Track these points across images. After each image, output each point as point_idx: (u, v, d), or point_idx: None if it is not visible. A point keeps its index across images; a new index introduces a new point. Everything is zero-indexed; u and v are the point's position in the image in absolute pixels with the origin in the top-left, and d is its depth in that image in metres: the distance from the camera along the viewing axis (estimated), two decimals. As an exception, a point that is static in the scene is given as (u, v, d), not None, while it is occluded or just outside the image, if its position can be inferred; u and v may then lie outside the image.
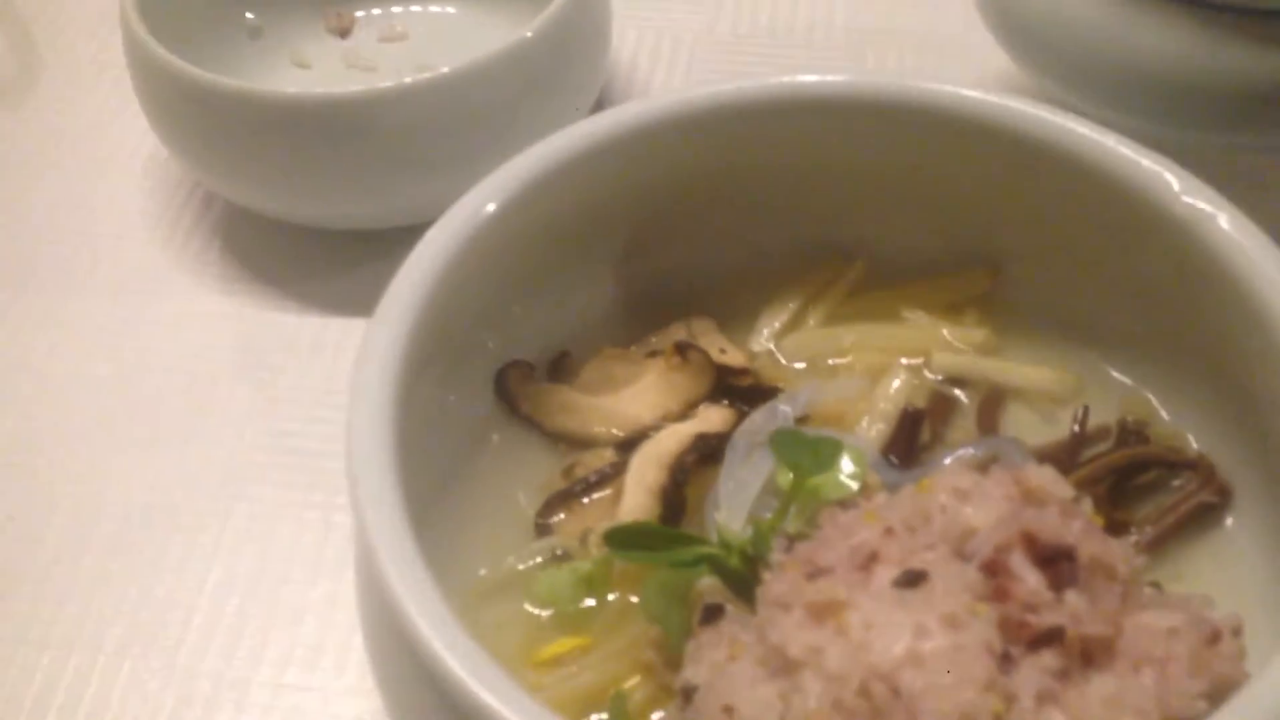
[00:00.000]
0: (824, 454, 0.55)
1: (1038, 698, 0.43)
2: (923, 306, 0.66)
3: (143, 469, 0.71)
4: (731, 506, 0.57)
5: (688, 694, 0.48)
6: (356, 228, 0.81)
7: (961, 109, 0.59)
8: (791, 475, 0.55)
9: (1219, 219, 0.54)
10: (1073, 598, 0.45)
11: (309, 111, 0.73)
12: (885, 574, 0.46)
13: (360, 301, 0.80)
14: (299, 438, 0.72)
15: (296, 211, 0.80)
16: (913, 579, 0.45)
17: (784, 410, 0.60)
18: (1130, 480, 0.58)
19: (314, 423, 0.73)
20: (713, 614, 0.50)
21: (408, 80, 0.73)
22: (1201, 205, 0.54)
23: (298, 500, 0.69)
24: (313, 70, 0.90)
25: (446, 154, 0.75)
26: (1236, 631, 0.46)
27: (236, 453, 0.72)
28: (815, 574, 0.47)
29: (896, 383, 0.62)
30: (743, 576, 0.52)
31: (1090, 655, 0.45)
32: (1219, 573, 0.55)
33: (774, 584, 0.47)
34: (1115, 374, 0.62)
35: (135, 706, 0.62)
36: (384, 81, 0.73)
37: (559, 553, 0.59)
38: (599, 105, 0.83)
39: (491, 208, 0.56)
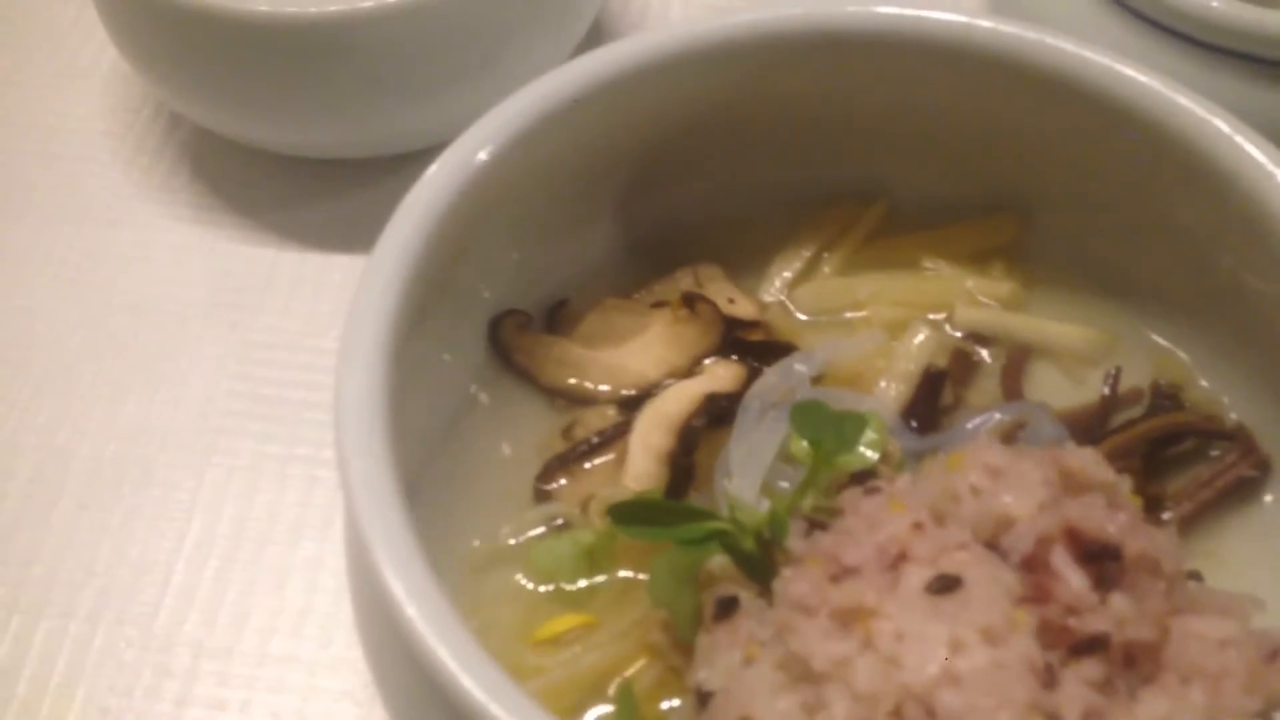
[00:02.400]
0: (849, 430, 0.52)
1: (1083, 716, 0.40)
2: (945, 256, 0.62)
3: (111, 419, 0.67)
4: (744, 475, 0.54)
5: (703, 698, 0.45)
6: (337, 155, 0.76)
7: (989, 43, 0.55)
8: (810, 449, 0.52)
9: (1273, 173, 0.50)
10: (1118, 600, 0.42)
11: (283, 31, 0.68)
12: (916, 576, 0.43)
13: (342, 234, 0.76)
14: (279, 385, 0.68)
15: (270, 137, 0.75)
16: (947, 584, 0.42)
17: (800, 370, 0.57)
18: (1164, 451, 0.55)
19: (295, 368, 0.69)
20: (727, 608, 0.47)
21: (389, -1, 0.68)
22: (1255, 154, 0.51)
23: (279, 453, 0.66)
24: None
25: (430, 79, 0.70)
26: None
27: (213, 400, 0.68)
28: (840, 575, 0.44)
29: (917, 340, 0.59)
30: (758, 560, 0.49)
31: (1135, 661, 0.42)
32: (1257, 551, 0.53)
33: (795, 583, 0.44)
34: (1151, 334, 0.59)
35: (110, 676, 0.59)
36: (364, 0, 0.68)
37: (559, 522, 0.55)
38: (594, 33, 0.78)
39: (484, 155, 0.52)
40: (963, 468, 0.47)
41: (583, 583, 0.54)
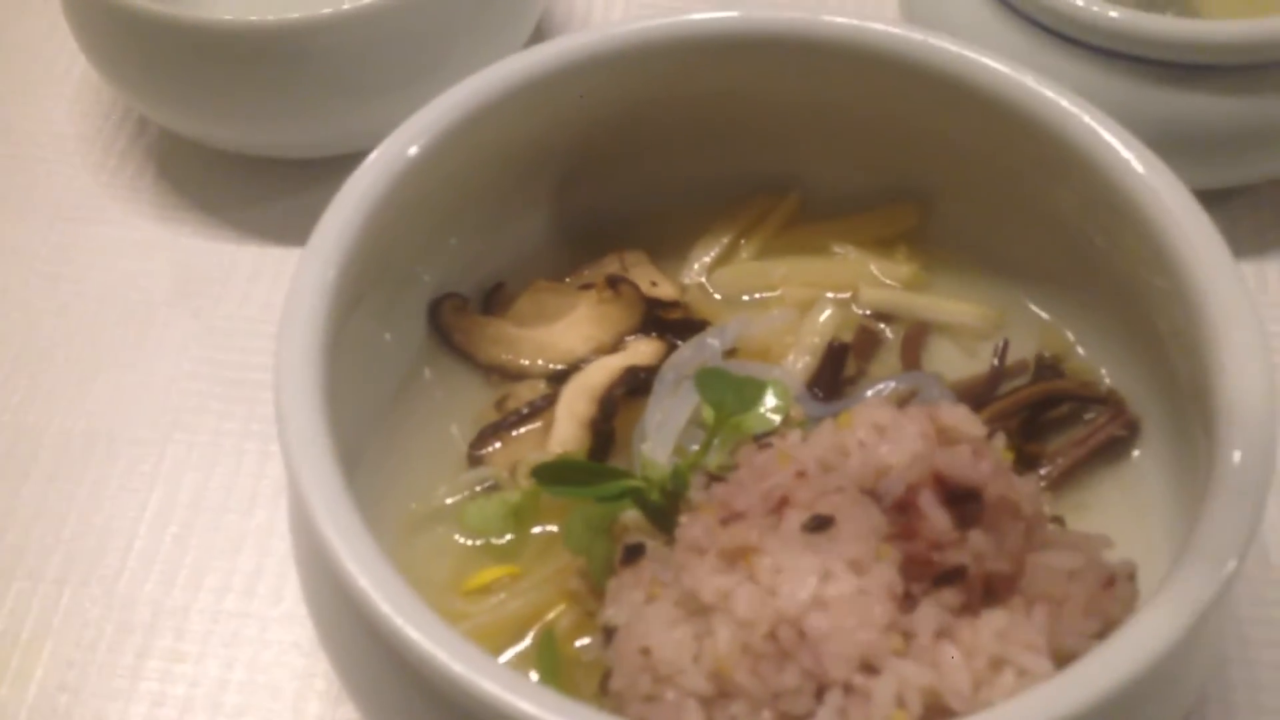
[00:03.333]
0: (747, 393, 0.57)
1: (935, 634, 0.45)
2: (853, 241, 0.67)
3: (80, 398, 0.72)
4: (657, 438, 0.59)
5: (608, 633, 0.50)
6: (295, 156, 0.81)
7: (881, 44, 0.60)
8: (713, 410, 0.57)
9: (1132, 161, 0.55)
10: (977, 537, 0.47)
11: (244, 39, 0.72)
12: (795, 518, 0.47)
13: (299, 229, 0.79)
14: (237, 368, 0.73)
15: (233, 139, 0.80)
16: (821, 523, 0.47)
17: (712, 344, 0.62)
18: (1044, 414, 0.60)
19: (252, 352, 0.73)
20: (633, 554, 0.51)
21: (345, 7, 0.72)
22: (1116, 146, 0.55)
23: (236, 430, 0.70)
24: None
25: (382, 82, 0.75)
26: (1130, 576, 0.49)
27: (175, 381, 0.72)
28: (730, 519, 0.48)
29: (823, 316, 0.64)
30: (664, 511, 0.54)
31: (993, 592, 0.47)
32: (1125, 502, 0.58)
33: (690, 528, 0.49)
34: (1035, 309, 0.64)
35: (76, 633, 0.63)
36: (322, 8, 0.72)
37: (490, 484, 0.60)
38: (539, 34, 0.83)
39: (414, 150, 0.56)
40: (851, 425, 0.52)
41: (509, 537, 0.58)
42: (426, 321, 0.64)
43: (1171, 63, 0.71)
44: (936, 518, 0.47)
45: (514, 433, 0.62)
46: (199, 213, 0.80)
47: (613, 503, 0.55)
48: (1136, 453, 0.59)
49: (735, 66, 0.63)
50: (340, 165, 0.56)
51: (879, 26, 0.60)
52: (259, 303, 0.76)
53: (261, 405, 0.71)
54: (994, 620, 0.45)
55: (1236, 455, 0.46)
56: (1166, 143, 0.56)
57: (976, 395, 0.61)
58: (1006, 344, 0.62)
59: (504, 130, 0.61)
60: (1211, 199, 0.55)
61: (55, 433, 0.70)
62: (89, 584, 0.65)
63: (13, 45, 0.89)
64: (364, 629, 0.46)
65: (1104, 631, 0.46)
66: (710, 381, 0.57)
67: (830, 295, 0.65)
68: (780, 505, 0.48)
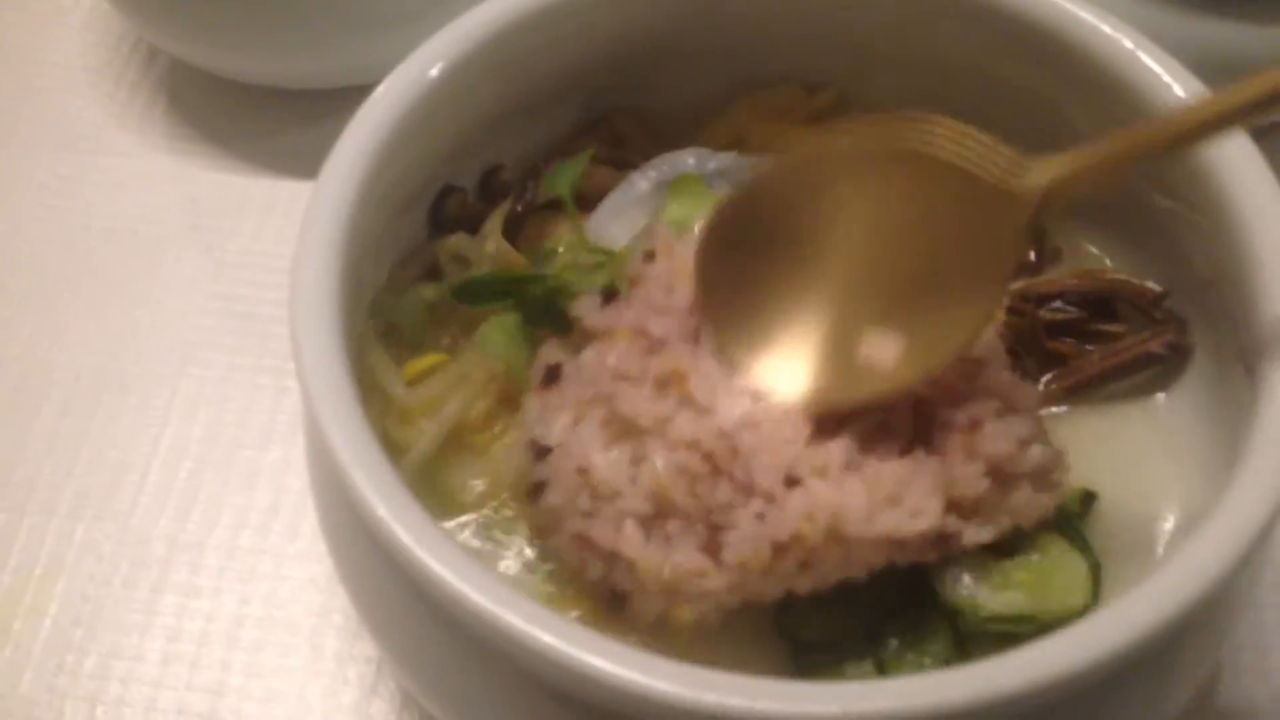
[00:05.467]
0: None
1: (845, 465, 0.46)
2: None
3: (91, 333, 0.71)
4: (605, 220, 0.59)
5: (541, 451, 0.50)
6: (308, 87, 0.79)
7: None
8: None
9: (1175, 89, 0.53)
10: None
11: (255, -36, 0.71)
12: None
13: (312, 162, 0.77)
14: (250, 302, 0.72)
15: (244, 68, 0.78)
16: None
17: (690, 163, 0.60)
18: (1089, 322, 0.57)
19: (266, 287, 0.72)
20: (553, 375, 0.52)
21: (357, -69, 0.71)
22: (1160, 73, 0.54)
23: (249, 365, 0.69)
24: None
25: (397, 11, 0.73)
26: (1054, 478, 0.48)
27: (187, 316, 0.71)
28: (654, 346, 0.49)
29: None
30: (551, 310, 0.54)
31: (927, 419, 0.48)
32: (1153, 440, 0.55)
33: (613, 355, 0.49)
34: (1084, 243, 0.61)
35: (90, 567, 0.63)
36: (332, -68, 0.70)
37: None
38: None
39: (434, 73, 0.55)
40: None
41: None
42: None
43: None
44: None
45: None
46: (211, 145, 0.78)
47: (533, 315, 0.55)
48: (1168, 395, 0.57)
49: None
50: (354, 96, 0.55)
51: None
52: (271, 236, 0.75)
53: (275, 340, 0.70)
54: (899, 466, 0.47)
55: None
56: (1202, 73, 0.54)
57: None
58: (1045, 229, 0.59)
59: (527, 53, 0.59)
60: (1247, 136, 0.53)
61: (65, 368, 0.69)
62: (103, 519, 0.64)
63: (20, -28, 0.88)
64: (384, 563, 0.45)
65: (1003, 502, 0.47)
66: (683, 185, 0.57)
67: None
68: (696, 332, 0.49)
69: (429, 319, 0.57)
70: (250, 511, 0.64)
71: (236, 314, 0.71)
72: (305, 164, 0.77)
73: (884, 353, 0.47)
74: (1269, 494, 0.42)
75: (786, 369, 0.48)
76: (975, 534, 0.47)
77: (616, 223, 0.58)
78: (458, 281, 0.56)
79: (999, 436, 0.47)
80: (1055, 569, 0.48)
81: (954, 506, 0.47)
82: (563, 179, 0.58)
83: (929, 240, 0.47)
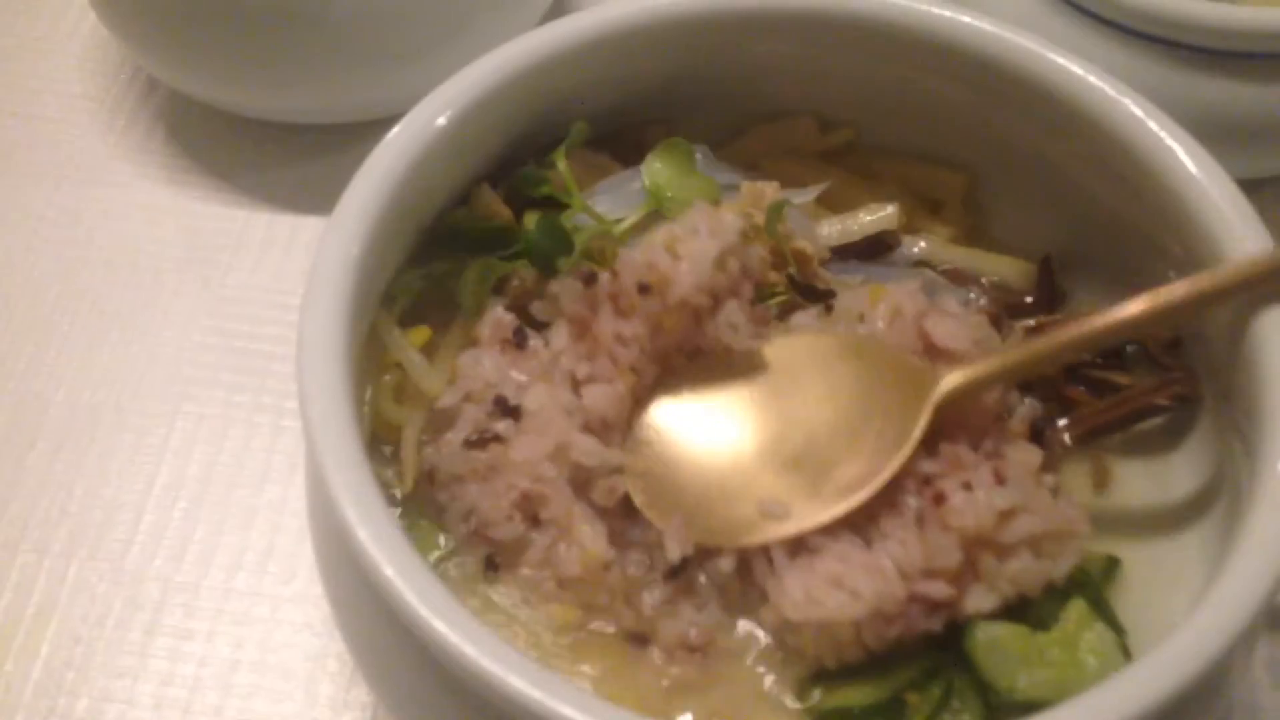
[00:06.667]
0: (694, 186, 0.58)
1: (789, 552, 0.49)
2: (898, 186, 0.64)
3: (87, 367, 0.70)
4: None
5: (502, 405, 0.52)
6: (308, 121, 0.79)
7: (922, 25, 0.59)
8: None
9: (1177, 151, 0.54)
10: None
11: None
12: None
13: (312, 197, 0.79)
14: (248, 338, 0.71)
15: (243, 102, 0.78)
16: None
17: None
18: (1101, 370, 0.58)
19: (264, 323, 0.72)
20: (520, 339, 0.54)
21: (361, -29, 0.70)
22: (1161, 135, 0.54)
23: (247, 402, 0.69)
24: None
25: (399, 48, 0.73)
26: (1053, 533, 0.48)
27: (184, 351, 0.71)
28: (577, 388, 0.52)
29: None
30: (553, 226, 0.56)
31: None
32: (1154, 494, 0.55)
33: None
34: (1080, 295, 0.62)
35: (83, 608, 0.62)
36: (336, -29, 0.70)
37: None
38: (557, 7, 0.81)
39: (443, 120, 0.55)
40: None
41: None
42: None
43: (1207, 48, 0.69)
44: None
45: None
46: (209, 177, 0.78)
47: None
48: (1173, 452, 0.57)
49: (774, 41, 0.61)
50: (355, 132, 0.55)
51: (920, 7, 0.59)
52: (270, 271, 0.74)
53: (273, 378, 0.69)
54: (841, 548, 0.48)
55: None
56: (1199, 130, 0.55)
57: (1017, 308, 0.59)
58: (1049, 260, 0.60)
59: (532, 101, 0.59)
60: (1242, 189, 0.54)
61: (61, 402, 0.69)
62: (96, 558, 0.64)
63: (18, 1, 0.87)
64: (385, 617, 0.45)
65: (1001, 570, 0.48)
66: (671, 149, 0.58)
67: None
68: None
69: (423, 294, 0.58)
70: (246, 552, 0.64)
71: (235, 349, 0.71)
72: (304, 199, 0.77)
73: (793, 496, 0.50)
74: (1260, 583, 0.43)
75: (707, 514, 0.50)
76: (978, 601, 0.47)
77: (612, 198, 0.59)
78: (449, 219, 0.57)
79: (967, 510, 0.48)
80: (1083, 643, 0.48)
81: (938, 575, 0.47)
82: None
83: (851, 402, 0.52)
